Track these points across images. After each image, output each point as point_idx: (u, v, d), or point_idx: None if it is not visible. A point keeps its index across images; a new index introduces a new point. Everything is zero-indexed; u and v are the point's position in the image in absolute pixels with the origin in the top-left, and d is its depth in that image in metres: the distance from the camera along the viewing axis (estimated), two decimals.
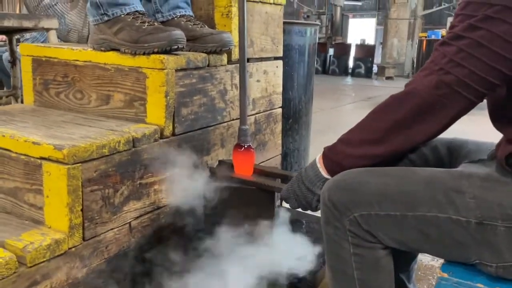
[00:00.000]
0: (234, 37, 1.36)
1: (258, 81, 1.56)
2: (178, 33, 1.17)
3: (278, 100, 1.70)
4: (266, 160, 1.66)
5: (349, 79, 10.87)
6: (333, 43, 12.47)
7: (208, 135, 1.35)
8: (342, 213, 0.86)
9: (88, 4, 1.22)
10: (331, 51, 11.92)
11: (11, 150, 1.03)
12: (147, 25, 1.18)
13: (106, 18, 1.21)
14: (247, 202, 1.20)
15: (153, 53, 1.17)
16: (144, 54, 1.17)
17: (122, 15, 1.20)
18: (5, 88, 3.98)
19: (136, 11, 1.21)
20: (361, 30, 18.53)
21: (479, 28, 0.76)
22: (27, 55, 1.42)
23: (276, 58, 1.66)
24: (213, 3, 1.40)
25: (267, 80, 1.61)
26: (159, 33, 1.16)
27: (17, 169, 1.02)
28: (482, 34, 0.76)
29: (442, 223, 0.78)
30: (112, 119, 1.26)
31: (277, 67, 1.67)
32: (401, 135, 0.87)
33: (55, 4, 2.24)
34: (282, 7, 1.64)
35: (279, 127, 1.73)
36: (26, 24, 1.70)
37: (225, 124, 1.42)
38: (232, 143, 1.45)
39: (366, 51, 11.70)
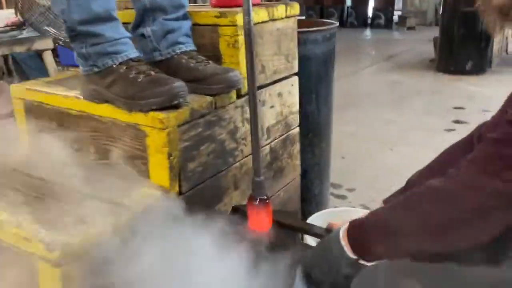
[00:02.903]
0: (243, 69, 1.20)
1: (272, 107, 1.41)
2: (178, 86, 1.02)
3: (295, 119, 1.55)
4: (284, 187, 1.55)
5: (368, 32, 10.36)
6: None
7: (219, 181, 1.23)
8: None
9: (75, 55, 1.08)
10: (348, 2, 11.32)
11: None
12: (142, 78, 1.03)
13: (96, 69, 1.06)
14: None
15: (151, 110, 1.03)
16: (141, 111, 1.04)
17: (114, 66, 1.05)
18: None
19: (130, 59, 1.06)
20: None
21: None
22: (19, 98, 1.30)
23: (291, 75, 1.50)
24: (217, 31, 1.23)
25: (282, 102, 1.46)
26: (156, 87, 1.01)
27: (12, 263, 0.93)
28: None
29: None
30: (112, 176, 1.15)
31: (292, 85, 1.51)
32: (445, 235, 0.74)
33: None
34: (295, 19, 1.45)
35: (297, 147, 1.59)
36: (19, 49, 1.56)
37: (238, 164, 1.30)
38: (247, 181, 1.33)
39: (385, 0, 11.06)
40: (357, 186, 2.42)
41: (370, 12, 11.18)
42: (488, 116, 0.87)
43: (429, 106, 3.95)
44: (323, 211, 1.52)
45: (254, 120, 1.06)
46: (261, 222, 1.14)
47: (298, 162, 1.61)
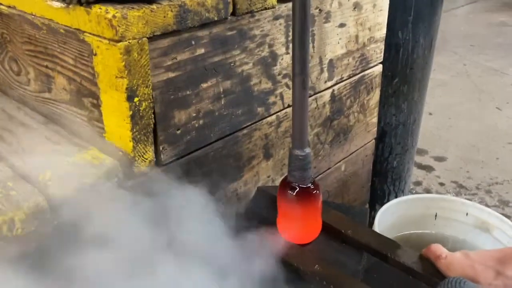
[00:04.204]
0: None
1: (341, 25, 0.85)
2: None
3: (377, 51, 0.98)
4: (349, 156, 1.01)
5: None
6: None
7: (237, 146, 0.73)
8: None
9: None
10: None
11: None
12: None
13: None
14: None
15: (97, 1, 0.53)
16: (80, 3, 0.53)
17: None
18: None
19: None
20: None
21: None
22: None
23: None
24: None
25: (359, 20, 0.89)
26: None
27: None
28: None
29: None
30: (54, 123, 0.68)
31: None
32: None
33: None
34: None
35: (376, 96, 1.03)
36: None
37: (273, 117, 0.78)
38: (287, 145, 0.82)
39: None
40: (448, 155, 1.81)
41: None
42: None
43: None
44: (402, 198, 0.98)
45: (299, 46, 0.52)
46: (298, 228, 0.63)
47: (374, 119, 1.06)
